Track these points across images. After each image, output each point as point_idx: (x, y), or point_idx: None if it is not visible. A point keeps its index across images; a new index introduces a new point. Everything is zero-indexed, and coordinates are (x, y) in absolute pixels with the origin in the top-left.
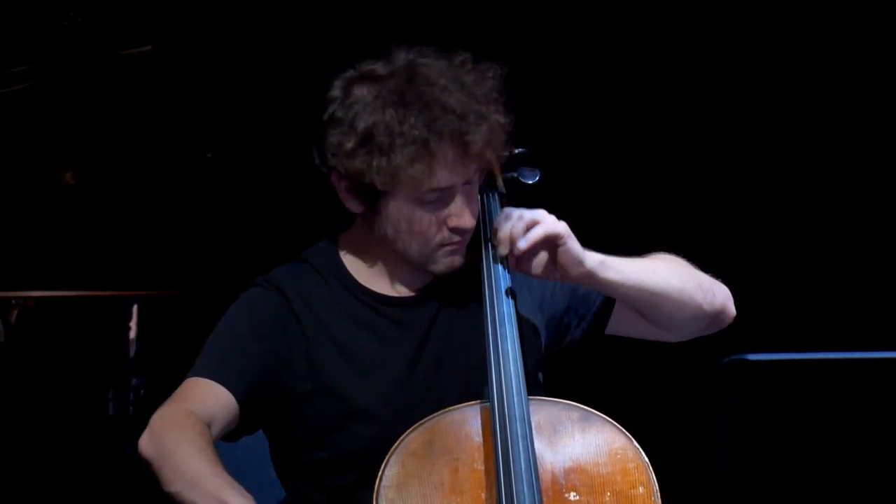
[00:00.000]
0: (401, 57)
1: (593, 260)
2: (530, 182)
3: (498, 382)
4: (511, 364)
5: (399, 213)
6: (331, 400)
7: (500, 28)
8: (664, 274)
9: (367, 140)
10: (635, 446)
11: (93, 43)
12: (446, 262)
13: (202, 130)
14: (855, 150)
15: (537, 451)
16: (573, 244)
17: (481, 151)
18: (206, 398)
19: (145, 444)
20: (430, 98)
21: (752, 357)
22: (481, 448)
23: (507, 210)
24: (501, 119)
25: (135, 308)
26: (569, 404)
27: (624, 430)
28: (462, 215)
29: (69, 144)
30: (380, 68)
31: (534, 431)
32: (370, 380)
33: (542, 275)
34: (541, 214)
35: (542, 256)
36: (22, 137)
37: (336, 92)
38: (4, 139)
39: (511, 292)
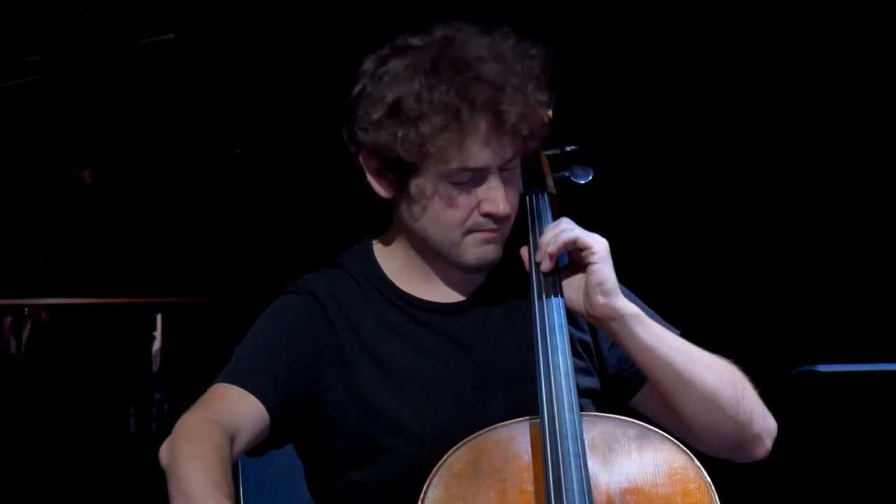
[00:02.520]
0: (439, 30)
1: (627, 304)
2: (582, 182)
3: (548, 397)
4: (562, 377)
5: (427, 191)
6: (366, 414)
7: (553, 17)
8: (702, 367)
9: (395, 110)
10: (697, 465)
11: (111, 31)
12: (477, 253)
13: (230, 125)
14: None
15: (591, 471)
16: (604, 266)
17: (516, 126)
18: (234, 407)
19: (163, 452)
20: (463, 66)
21: (823, 368)
22: (530, 468)
23: (563, 219)
24: (541, 97)
25: (158, 317)
26: (625, 420)
27: (684, 447)
28: (496, 200)
29: (86, 140)
30: (416, 41)
31: (587, 450)
32: (407, 394)
33: (571, 299)
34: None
35: (575, 276)
36: (35, 133)
37: (368, 65)
38: (17, 134)
39: (562, 300)
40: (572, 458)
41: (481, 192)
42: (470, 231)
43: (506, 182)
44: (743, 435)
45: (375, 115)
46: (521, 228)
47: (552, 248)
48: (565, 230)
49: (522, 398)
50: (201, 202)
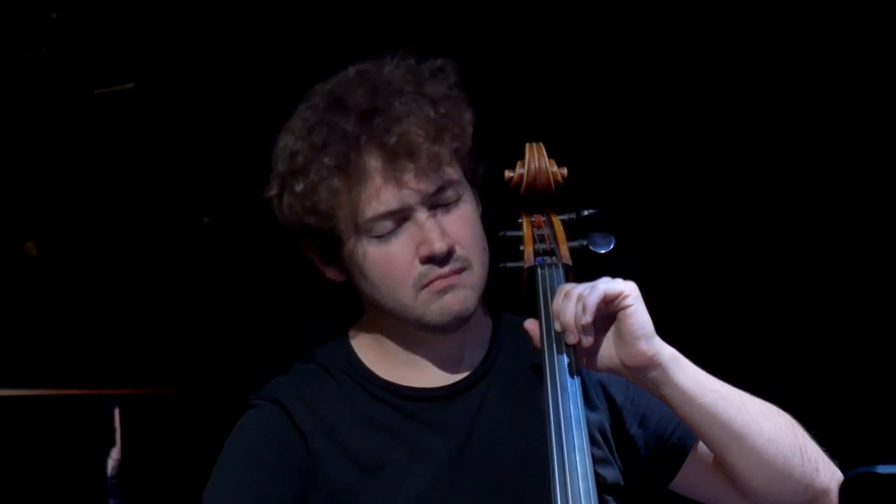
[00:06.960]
0: (329, 83)
1: (665, 345)
2: (602, 251)
3: (564, 503)
4: (580, 480)
5: (359, 256)
6: None
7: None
8: (756, 413)
9: (281, 180)
10: None
11: (62, 79)
12: (437, 308)
13: (197, 188)
14: None
15: None
16: (640, 307)
17: (413, 151)
18: None
19: None
20: (335, 103)
21: (883, 470)
22: None
23: (566, 287)
24: (446, 111)
25: (115, 411)
26: None
27: None
28: (429, 239)
29: (31, 206)
30: (304, 105)
31: None
32: (397, 497)
33: (601, 358)
34: (600, 280)
35: (602, 332)
36: None
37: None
38: None
39: (580, 390)
40: None
41: (414, 236)
42: (421, 287)
43: (442, 216)
44: (811, 489)
45: (272, 192)
46: (532, 307)
47: (587, 318)
48: (587, 293)
49: (528, 499)
50: (165, 277)
